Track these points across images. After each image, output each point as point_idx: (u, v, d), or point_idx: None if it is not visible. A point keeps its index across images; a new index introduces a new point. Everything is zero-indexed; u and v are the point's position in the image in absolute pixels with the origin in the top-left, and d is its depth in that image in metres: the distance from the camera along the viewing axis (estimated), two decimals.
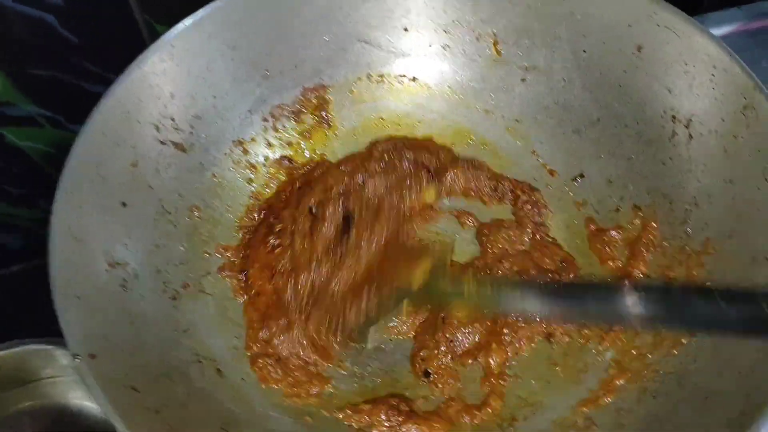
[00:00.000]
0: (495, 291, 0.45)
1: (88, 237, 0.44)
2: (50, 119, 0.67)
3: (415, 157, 0.55)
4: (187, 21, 0.51)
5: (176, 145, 0.52)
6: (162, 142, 0.51)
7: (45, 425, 0.63)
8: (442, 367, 0.48)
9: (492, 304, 0.46)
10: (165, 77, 0.51)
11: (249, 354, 0.48)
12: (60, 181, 0.43)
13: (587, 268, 0.53)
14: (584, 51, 0.54)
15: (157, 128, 0.51)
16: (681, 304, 0.39)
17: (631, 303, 0.39)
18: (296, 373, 0.48)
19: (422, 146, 0.57)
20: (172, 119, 0.52)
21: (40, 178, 0.71)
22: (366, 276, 0.50)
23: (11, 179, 0.70)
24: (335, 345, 0.49)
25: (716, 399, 0.39)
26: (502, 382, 0.48)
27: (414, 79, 0.59)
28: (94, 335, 0.40)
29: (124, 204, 0.48)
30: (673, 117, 0.50)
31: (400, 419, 0.46)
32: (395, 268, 0.50)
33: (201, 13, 0.51)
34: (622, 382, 0.45)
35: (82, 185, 0.44)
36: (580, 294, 0.44)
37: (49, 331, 0.58)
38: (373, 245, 0.50)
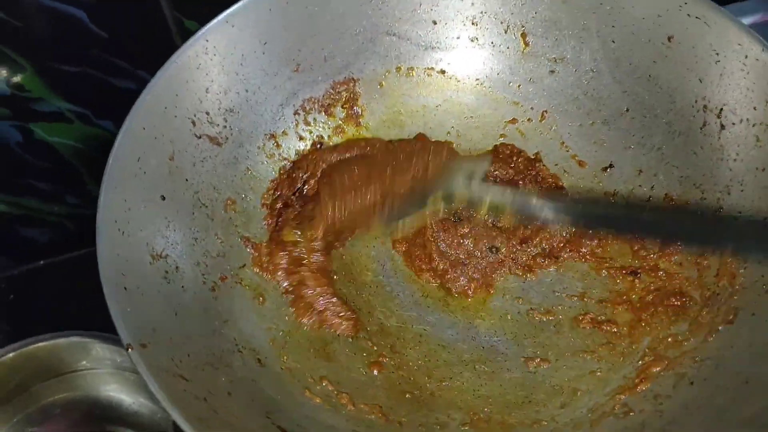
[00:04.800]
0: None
1: (131, 230, 0.45)
2: (79, 115, 0.67)
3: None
4: (221, 16, 0.51)
5: (211, 139, 0.53)
6: (197, 136, 0.52)
7: (77, 416, 0.64)
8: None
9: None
10: (200, 72, 0.51)
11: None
12: (104, 175, 0.44)
13: (620, 260, 0.53)
14: (613, 42, 0.54)
15: (193, 123, 0.51)
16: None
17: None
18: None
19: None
20: (207, 113, 0.52)
21: (69, 174, 0.72)
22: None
23: (40, 174, 0.71)
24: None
25: (756, 383, 0.40)
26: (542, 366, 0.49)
27: (443, 71, 0.60)
28: (143, 325, 0.41)
29: (163, 197, 0.48)
30: (704, 107, 0.51)
31: None
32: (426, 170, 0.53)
33: (234, 8, 0.52)
34: (658, 369, 0.46)
35: (125, 179, 0.45)
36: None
37: (77, 324, 0.59)
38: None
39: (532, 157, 0.58)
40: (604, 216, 0.49)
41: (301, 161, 0.57)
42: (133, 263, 0.44)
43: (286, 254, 0.52)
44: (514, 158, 0.57)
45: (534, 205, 0.50)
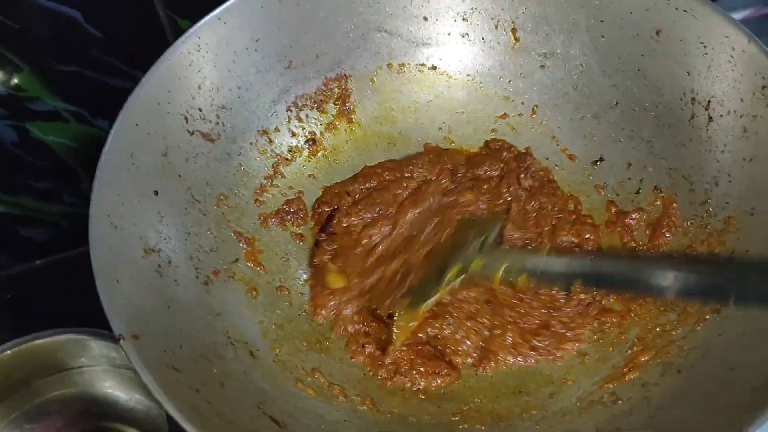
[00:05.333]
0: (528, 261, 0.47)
1: (124, 224, 0.45)
2: (75, 114, 0.68)
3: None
4: (213, 13, 0.52)
5: (204, 135, 0.53)
6: (190, 133, 0.52)
7: (73, 413, 0.65)
8: None
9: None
10: (192, 69, 0.52)
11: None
12: (97, 170, 0.45)
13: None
14: (602, 36, 0.55)
15: (186, 119, 0.52)
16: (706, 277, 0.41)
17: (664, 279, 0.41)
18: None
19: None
20: (200, 110, 0.53)
21: (65, 173, 0.73)
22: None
23: (36, 174, 0.71)
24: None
25: (741, 370, 0.40)
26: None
27: (434, 67, 0.60)
28: (135, 317, 0.41)
29: (156, 192, 0.49)
30: (693, 99, 0.51)
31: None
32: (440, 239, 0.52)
33: (226, 5, 0.52)
34: (646, 358, 0.46)
35: (118, 175, 0.46)
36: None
37: (75, 323, 0.59)
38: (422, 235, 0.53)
39: (523, 151, 0.58)
40: (617, 275, 0.46)
41: (325, 195, 0.58)
42: (125, 257, 0.44)
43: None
44: (505, 153, 0.58)
45: (546, 267, 0.48)
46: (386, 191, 0.56)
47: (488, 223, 0.53)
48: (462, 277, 0.49)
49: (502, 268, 0.48)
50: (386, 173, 0.57)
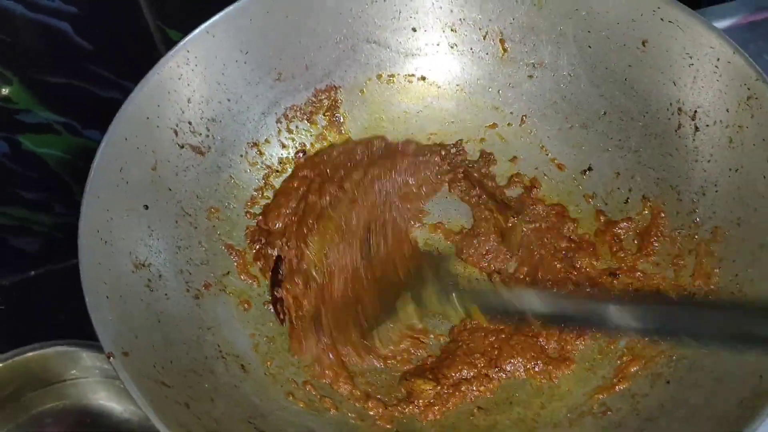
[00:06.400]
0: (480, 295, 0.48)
1: (114, 239, 0.45)
2: (66, 126, 0.68)
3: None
4: (202, 27, 0.52)
5: (194, 148, 0.53)
6: (180, 146, 0.52)
7: (67, 425, 0.64)
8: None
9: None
10: (182, 82, 0.52)
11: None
12: (87, 185, 0.45)
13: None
14: (590, 47, 0.55)
15: (176, 132, 0.52)
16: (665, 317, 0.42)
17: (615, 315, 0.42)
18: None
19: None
20: (189, 123, 0.53)
21: (57, 184, 0.73)
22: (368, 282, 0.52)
23: (28, 185, 0.71)
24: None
25: (729, 381, 0.41)
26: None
27: (423, 78, 0.61)
28: (125, 334, 0.41)
29: (146, 207, 0.49)
30: (679, 109, 0.52)
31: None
32: (395, 270, 0.52)
33: (214, 19, 0.52)
34: (635, 368, 0.47)
35: (107, 189, 0.46)
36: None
37: (65, 334, 0.59)
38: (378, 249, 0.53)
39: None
40: (568, 313, 0.46)
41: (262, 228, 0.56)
42: (115, 272, 0.44)
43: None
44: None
45: (507, 303, 0.47)
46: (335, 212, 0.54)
47: (440, 255, 0.53)
48: (412, 306, 0.50)
49: (456, 302, 0.48)
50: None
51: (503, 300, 0.48)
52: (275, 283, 0.53)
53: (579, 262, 0.53)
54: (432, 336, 0.52)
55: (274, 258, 0.54)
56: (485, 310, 0.48)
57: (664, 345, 0.46)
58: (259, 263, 0.54)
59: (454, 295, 0.49)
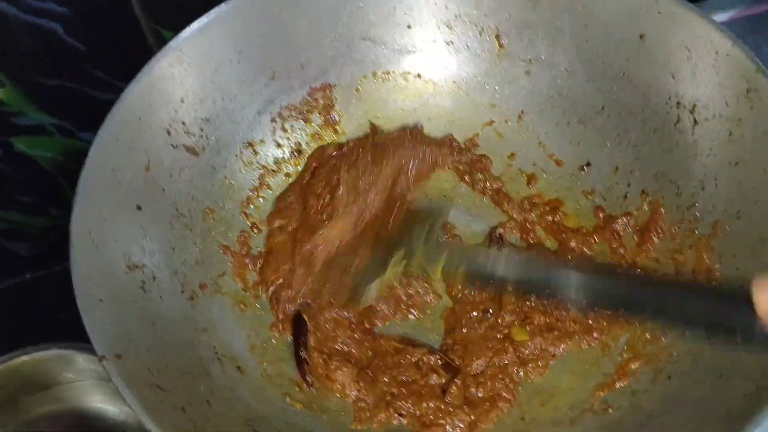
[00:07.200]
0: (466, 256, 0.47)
1: (106, 241, 0.45)
2: (60, 128, 0.67)
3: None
4: (194, 26, 0.51)
5: (188, 148, 0.53)
6: (174, 146, 0.52)
7: (63, 429, 0.64)
8: None
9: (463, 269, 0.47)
10: (174, 82, 0.51)
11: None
12: (78, 186, 0.44)
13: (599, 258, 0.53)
14: (587, 41, 0.55)
15: (169, 132, 0.51)
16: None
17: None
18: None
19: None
20: (183, 123, 0.52)
21: (51, 186, 0.72)
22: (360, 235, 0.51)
23: (22, 187, 0.71)
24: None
25: (732, 376, 0.40)
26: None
27: (419, 75, 0.60)
28: (118, 336, 0.41)
29: (139, 207, 0.48)
30: (678, 103, 0.51)
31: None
32: (386, 226, 0.51)
33: (207, 18, 0.52)
34: (637, 365, 0.46)
35: (99, 190, 0.45)
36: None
37: (63, 337, 0.59)
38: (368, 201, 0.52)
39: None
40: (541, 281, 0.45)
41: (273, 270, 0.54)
42: (108, 274, 0.44)
43: None
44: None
45: (489, 265, 0.46)
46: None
47: (434, 212, 0.52)
48: (404, 263, 0.48)
49: (443, 261, 0.47)
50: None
51: (486, 265, 0.46)
52: (299, 343, 0.51)
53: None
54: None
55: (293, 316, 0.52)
56: (470, 274, 0.47)
57: (666, 341, 0.46)
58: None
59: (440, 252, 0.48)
